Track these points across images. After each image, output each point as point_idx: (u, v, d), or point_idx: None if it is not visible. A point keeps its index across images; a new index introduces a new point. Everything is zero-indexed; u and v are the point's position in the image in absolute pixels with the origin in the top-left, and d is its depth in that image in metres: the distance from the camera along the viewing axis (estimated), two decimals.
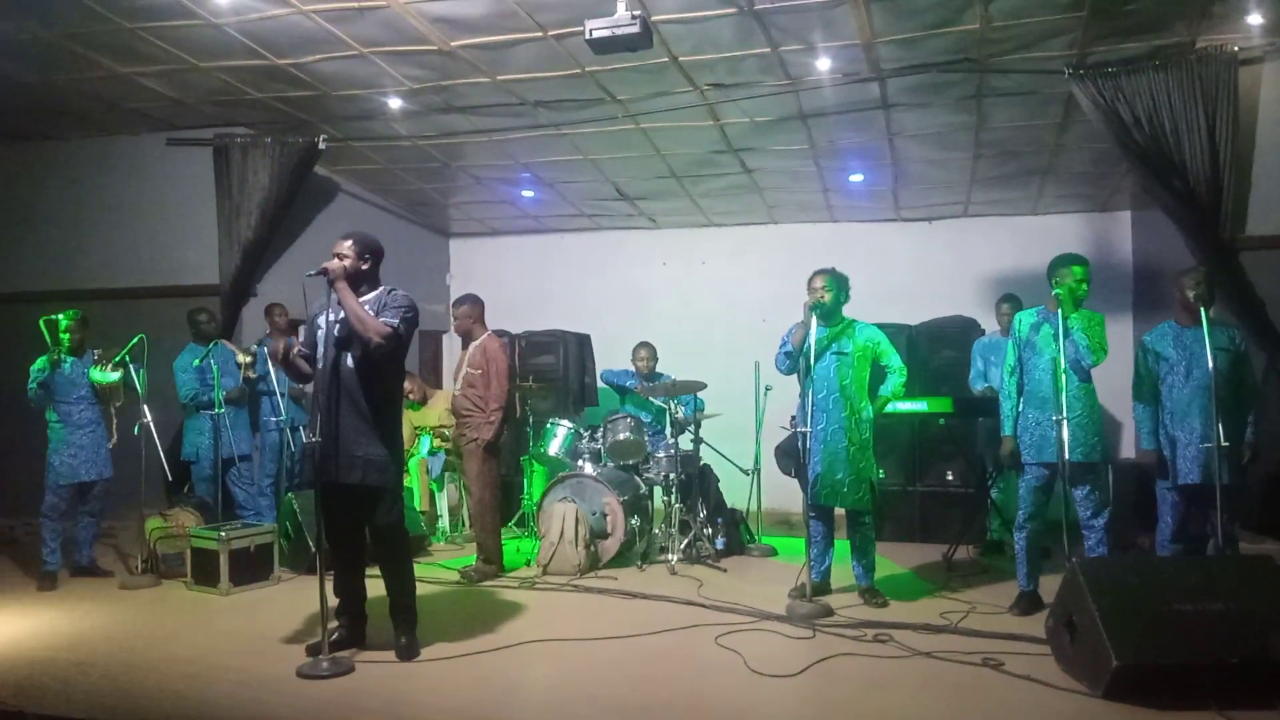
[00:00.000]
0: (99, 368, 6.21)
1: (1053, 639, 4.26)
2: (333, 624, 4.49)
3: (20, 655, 4.61)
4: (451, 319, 6.69)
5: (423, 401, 8.27)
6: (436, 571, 6.37)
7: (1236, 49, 5.70)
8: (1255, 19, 5.45)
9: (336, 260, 4.42)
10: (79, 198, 8.10)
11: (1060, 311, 4.90)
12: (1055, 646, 4.23)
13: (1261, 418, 5.06)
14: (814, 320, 5.27)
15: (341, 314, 4.39)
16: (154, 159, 7.82)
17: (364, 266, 4.49)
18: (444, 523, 7.89)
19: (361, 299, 4.42)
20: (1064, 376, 4.82)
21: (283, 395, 6.93)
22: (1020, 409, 5.17)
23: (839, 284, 5.44)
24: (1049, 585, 4.76)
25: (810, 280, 5.44)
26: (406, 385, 8.39)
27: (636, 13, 4.59)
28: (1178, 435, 4.99)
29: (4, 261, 8.19)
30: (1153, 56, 5.77)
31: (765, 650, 4.53)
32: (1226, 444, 4.72)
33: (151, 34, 5.79)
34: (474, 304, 6.47)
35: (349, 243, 4.50)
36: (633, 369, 7.75)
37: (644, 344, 7.74)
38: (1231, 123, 5.78)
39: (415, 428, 7.89)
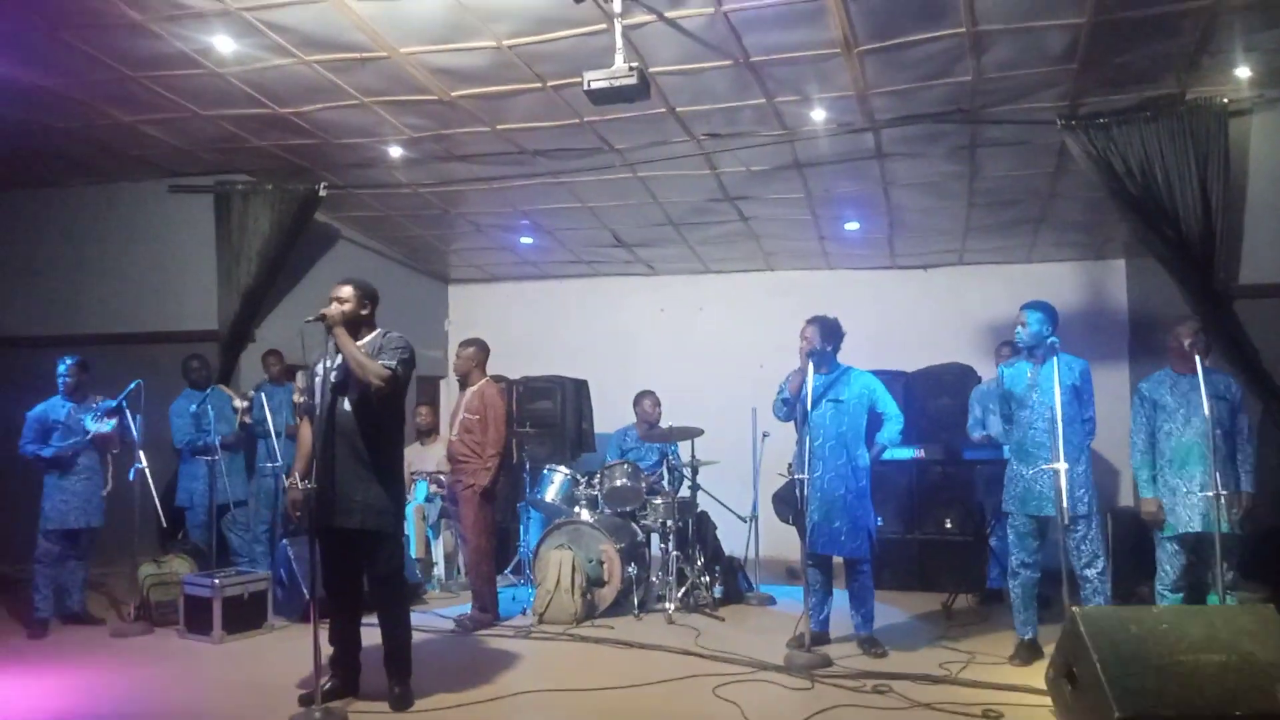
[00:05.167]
0: (93, 417, 6.20)
1: (1053, 690, 4.21)
2: (326, 673, 4.43)
3: (8, 705, 4.55)
4: (453, 359, 6.71)
5: (432, 431, 8.30)
6: (432, 619, 6.31)
7: (1226, 100, 5.78)
8: (1243, 71, 5.54)
9: (335, 305, 4.45)
10: (80, 243, 8.14)
11: (1052, 360, 4.93)
12: (1056, 697, 4.18)
13: (1259, 466, 5.06)
14: (811, 367, 5.28)
15: (338, 359, 4.40)
16: (155, 205, 7.88)
17: (364, 312, 4.54)
18: (439, 570, 7.83)
19: (359, 343, 4.44)
20: (1059, 424, 4.80)
21: (278, 435, 6.90)
22: (1008, 460, 5.23)
23: (827, 331, 5.46)
24: (1049, 635, 4.72)
25: (802, 329, 5.47)
26: (425, 412, 8.40)
27: (634, 65, 4.65)
28: (1177, 484, 4.99)
29: (4, 306, 8.20)
30: (1143, 108, 5.85)
31: (764, 701, 4.49)
32: (1225, 492, 4.73)
33: (155, 82, 5.86)
34: (480, 349, 6.49)
35: (350, 289, 4.52)
36: (632, 424, 7.76)
37: (649, 393, 7.73)
38: (1222, 173, 5.84)
39: (412, 473, 7.86)
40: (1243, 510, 4.94)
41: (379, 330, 4.61)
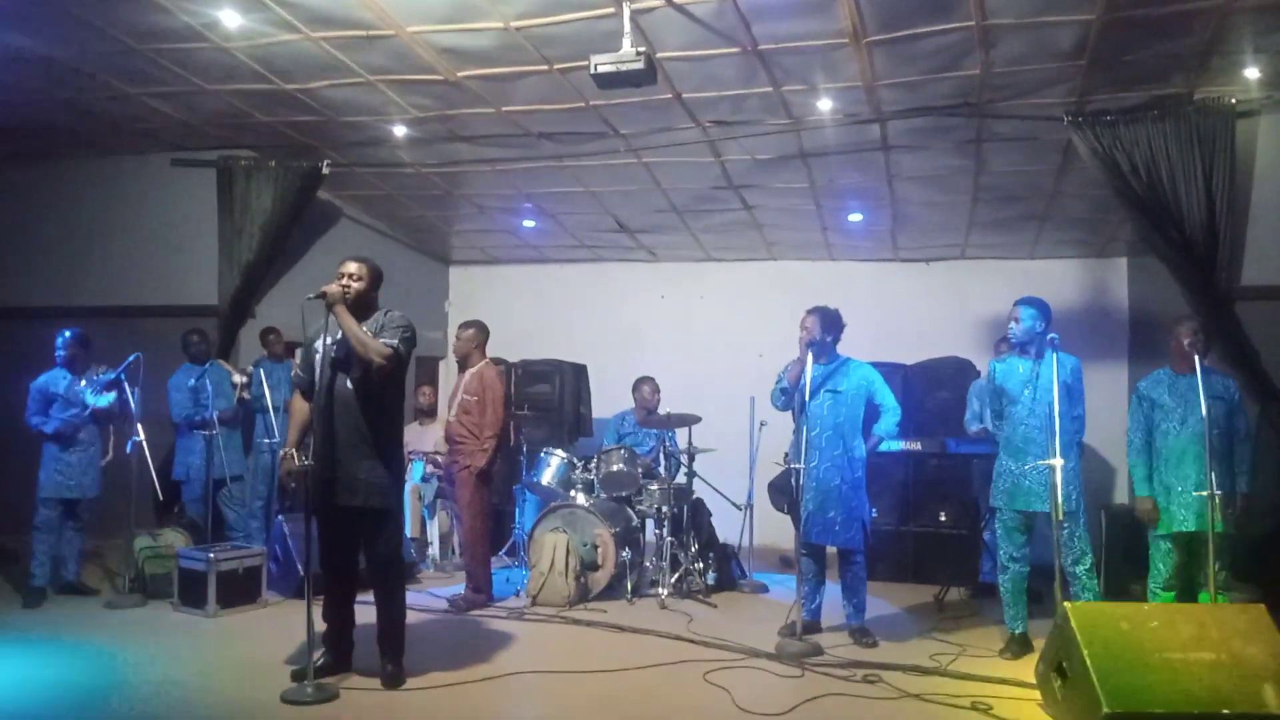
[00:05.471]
0: (92, 391, 6.20)
1: (1043, 684, 4.24)
2: (319, 650, 4.45)
3: (2, 673, 4.57)
4: (453, 340, 6.71)
5: (432, 412, 8.32)
6: (425, 599, 6.33)
7: (1234, 101, 5.77)
8: (1252, 72, 5.53)
9: (344, 281, 4.45)
10: (82, 215, 8.13)
11: (1050, 356, 4.95)
12: (1045, 692, 4.21)
13: (1256, 467, 5.07)
14: (810, 357, 5.28)
15: (338, 335, 4.40)
16: (158, 179, 7.86)
17: (374, 293, 4.55)
18: (434, 550, 7.85)
19: (361, 322, 4.44)
20: (1057, 420, 4.80)
21: (277, 411, 6.91)
22: (997, 454, 5.25)
23: (828, 322, 5.46)
24: (1041, 630, 4.74)
25: (802, 319, 5.47)
26: (428, 392, 8.44)
27: (641, 49, 4.64)
28: (1172, 483, 5.00)
29: (4, 277, 8.20)
30: (1151, 106, 5.84)
31: (754, 688, 4.51)
32: (1220, 492, 4.74)
33: (161, 56, 5.84)
34: (479, 330, 6.49)
35: (362, 266, 4.54)
36: (630, 409, 7.77)
37: (648, 379, 7.74)
38: (1228, 174, 5.83)
39: (409, 453, 7.87)
40: (1238, 511, 4.95)
41: (381, 309, 4.61)
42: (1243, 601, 4.86)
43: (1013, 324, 5.15)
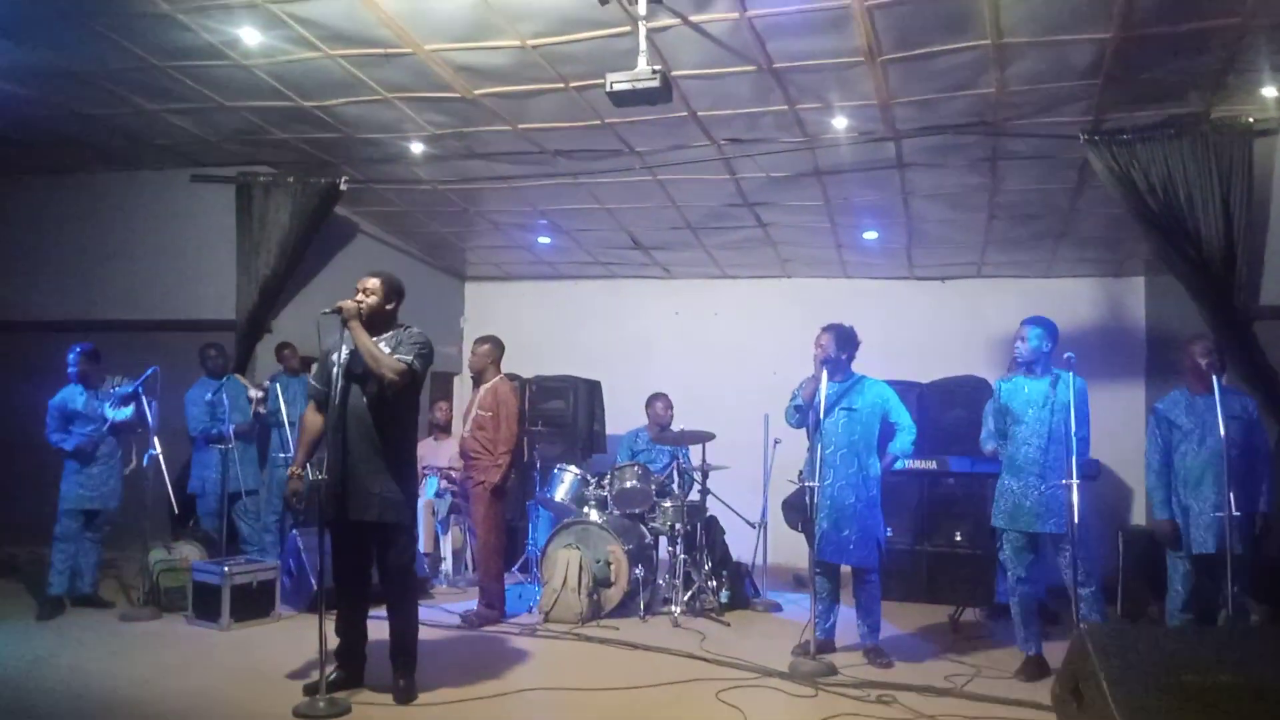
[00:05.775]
0: (110, 405, 6.25)
1: (1058, 706, 4.18)
2: (331, 664, 4.45)
3: (17, 685, 4.59)
4: (469, 355, 6.73)
5: (447, 425, 8.33)
6: (438, 614, 6.32)
7: (1250, 120, 5.74)
8: (1269, 91, 5.50)
9: (359, 297, 4.47)
10: (101, 230, 8.20)
11: (1059, 376, 4.95)
12: (1061, 714, 4.15)
13: (1275, 487, 5.02)
14: (825, 375, 5.27)
15: (354, 349, 4.42)
16: (177, 195, 7.92)
17: (389, 306, 4.56)
18: (447, 565, 7.85)
19: (378, 337, 4.45)
20: (1073, 441, 4.78)
21: (292, 426, 6.93)
22: (1000, 474, 5.24)
23: (843, 339, 5.45)
24: (1057, 651, 4.69)
25: (817, 337, 5.47)
26: (444, 407, 8.48)
27: (657, 68, 4.66)
28: (1191, 504, 4.96)
29: (24, 290, 8.27)
30: (1167, 125, 5.82)
31: (767, 708, 4.48)
32: (1239, 513, 4.69)
33: (181, 73, 5.91)
34: (495, 345, 6.51)
35: (378, 281, 4.55)
36: (644, 425, 7.77)
37: (661, 395, 7.74)
38: (1245, 193, 5.80)
39: (424, 468, 7.89)
40: (1258, 531, 4.90)
41: (401, 325, 4.63)
42: (1263, 623, 4.81)
43: (1019, 343, 5.14)
